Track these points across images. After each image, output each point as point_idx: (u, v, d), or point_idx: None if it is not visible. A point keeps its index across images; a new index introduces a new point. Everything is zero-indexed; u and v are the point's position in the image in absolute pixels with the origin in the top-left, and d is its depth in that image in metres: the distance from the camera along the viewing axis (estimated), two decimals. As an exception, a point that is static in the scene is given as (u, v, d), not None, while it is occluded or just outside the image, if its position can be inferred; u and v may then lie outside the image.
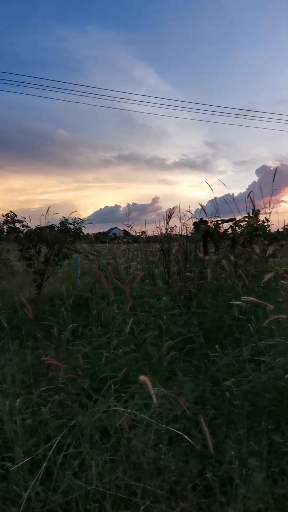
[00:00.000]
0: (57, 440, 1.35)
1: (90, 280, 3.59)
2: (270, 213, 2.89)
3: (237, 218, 2.76)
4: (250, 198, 2.84)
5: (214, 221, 2.88)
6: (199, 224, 4.00)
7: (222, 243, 2.87)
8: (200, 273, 3.14)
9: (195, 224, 4.28)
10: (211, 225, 2.85)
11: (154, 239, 4.64)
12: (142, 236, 4.62)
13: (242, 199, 3.12)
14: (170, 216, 3.91)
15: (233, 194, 3.10)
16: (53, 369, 1.95)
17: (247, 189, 2.94)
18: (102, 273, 2.64)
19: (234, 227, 2.74)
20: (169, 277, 3.43)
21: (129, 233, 4.75)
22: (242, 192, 2.79)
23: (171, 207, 3.85)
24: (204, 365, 2.03)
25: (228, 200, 3.12)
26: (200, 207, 3.51)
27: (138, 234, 4.38)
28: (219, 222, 2.85)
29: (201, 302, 2.51)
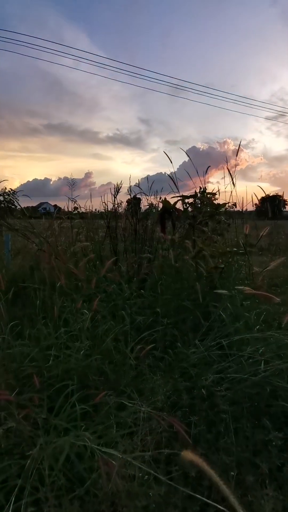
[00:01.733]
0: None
1: (27, 263, 3.04)
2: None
3: (198, 195, 2.55)
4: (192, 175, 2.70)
5: (174, 197, 2.62)
6: (133, 201, 3.76)
7: (181, 221, 2.65)
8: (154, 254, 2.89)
9: (129, 201, 4.01)
10: (170, 202, 2.58)
11: (98, 216, 4.22)
12: (84, 212, 4.15)
13: (174, 178, 3.00)
14: (118, 191, 3.54)
15: (165, 173, 2.91)
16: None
17: (178, 168, 2.74)
18: (46, 255, 2.17)
19: (195, 204, 2.52)
20: (117, 259, 3.10)
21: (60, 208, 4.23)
22: (174, 171, 2.58)
23: (106, 183, 3.51)
24: (171, 358, 1.81)
25: (162, 179, 2.99)
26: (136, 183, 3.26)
27: (82, 209, 3.91)
28: (179, 198, 2.60)
29: (161, 286, 2.27)
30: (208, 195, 2.58)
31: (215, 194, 2.51)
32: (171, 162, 2.59)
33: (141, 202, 4.03)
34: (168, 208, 2.58)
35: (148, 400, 1.40)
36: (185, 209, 2.53)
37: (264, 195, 2.96)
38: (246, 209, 3.19)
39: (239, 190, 2.73)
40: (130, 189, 3.61)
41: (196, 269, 2.26)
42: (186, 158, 3.00)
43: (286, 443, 1.29)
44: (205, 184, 2.67)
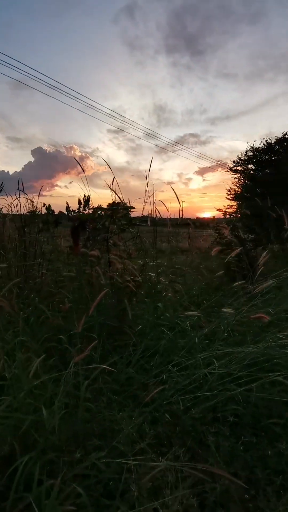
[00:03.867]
0: None
1: None
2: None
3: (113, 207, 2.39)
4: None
5: (90, 209, 2.36)
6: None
7: (96, 234, 2.41)
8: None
9: None
10: (85, 213, 2.31)
11: None
12: None
13: (16, 178, 2.84)
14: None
15: (8, 172, 2.74)
16: None
17: (23, 168, 2.63)
18: None
19: (112, 217, 2.34)
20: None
21: None
22: (18, 171, 2.46)
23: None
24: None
25: (3, 178, 2.78)
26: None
27: None
28: (97, 210, 2.36)
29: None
30: (125, 208, 2.48)
31: (133, 207, 2.43)
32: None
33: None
34: (83, 220, 2.31)
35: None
36: (103, 223, 2.33)
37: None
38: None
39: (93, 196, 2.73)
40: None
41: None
42: (31, 159, 2.81)
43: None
44: (52, 187, 2.58)
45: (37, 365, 1.28)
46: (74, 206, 4.53)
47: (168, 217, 2.56)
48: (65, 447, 1.22)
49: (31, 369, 1.28)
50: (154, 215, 2.61)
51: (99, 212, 2.28)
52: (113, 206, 2.31)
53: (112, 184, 2.30)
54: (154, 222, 2.78)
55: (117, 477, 1.08)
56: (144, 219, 2.58)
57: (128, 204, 2.44)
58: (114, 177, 2.33)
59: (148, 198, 2.45)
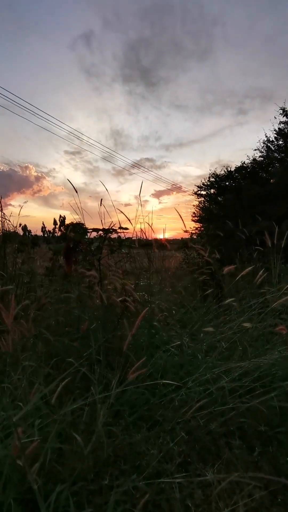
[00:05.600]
0: None
1: None
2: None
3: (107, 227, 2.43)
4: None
5: (83, 228, 2.37)
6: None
7: (88, 255, 2.40)
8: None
9: None
10: (78, 233, 2.30)
11: None
12: None
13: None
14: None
15: None
16: None
17: None
18: None
19: (106, 238, 2.37)
20: None
21: None
22: None
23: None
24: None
25: None
26: None
27: None
28: (89, 230, 2.37)
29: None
30: (118, 229, 2.53)
31: (126, 228, 2.49)
32: None
33: None
34: (76, 240, 2.30)
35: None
36: (99, 245, 2.35)
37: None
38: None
39: (43, 216, 2.81)
40: None
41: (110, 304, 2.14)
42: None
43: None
44: (5, 206, 2.61)
45: (59, 390, 1.24)
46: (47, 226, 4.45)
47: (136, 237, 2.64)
48: (94, 475, 1.18)
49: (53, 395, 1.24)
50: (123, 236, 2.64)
51: (88, 232, 2.31)
52: (107, 229, 2.35)
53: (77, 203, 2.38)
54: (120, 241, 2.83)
55: (157, 498, 1.08)
56: (132, 241, 2.65)
57: (119, 225, 2.49)
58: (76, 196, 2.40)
59: (104, 219, 2.51)
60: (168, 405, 1.56)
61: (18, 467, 1.07)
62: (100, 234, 2.44)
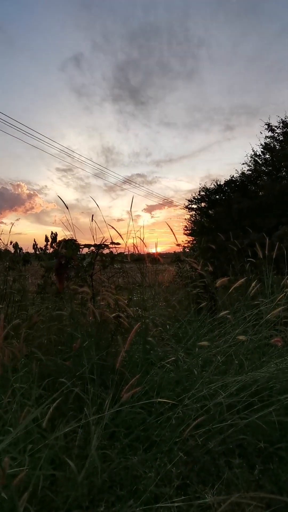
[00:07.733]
0: None
1: None
2: None
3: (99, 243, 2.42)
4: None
5: (75, 244, 2.35)
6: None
7: (81, 271, 2.38)
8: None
9: None
10: (70, 249, 2.28)
11: None
12: None
13: None
14: None
15: None
16: None
17: None
18: None
19: (97, 254, 2.36)
20: None
21: None
22: None
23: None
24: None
25: None
26: None
27: None
28: (81, 246, 2.36)
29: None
30: (110, 244, 2.52)
31: (118, 243, 2.48)
32: None
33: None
34: (68, 256, 2.29)
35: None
36: (83, 258, 2.34)
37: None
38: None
39: (35, 233, 2.81)
40: None
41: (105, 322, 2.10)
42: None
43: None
44: None
45: (50, 413, 1.20)
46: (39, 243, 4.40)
47: (128, 252, 2.63)
48: (89, 502, 1.13)
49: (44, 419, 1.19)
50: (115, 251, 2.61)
51: (80, 248, 2.30)
52: (99, 245, 2.35)
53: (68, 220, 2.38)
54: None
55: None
56: (124, 256, 2.64)
57: (111, 240, 2.49)
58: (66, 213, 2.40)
59: (95, 235, 2.49)
60: (165, 424, 1.51)
61: (9, 495, 1.01)
62: (92, 250, 2.44)
